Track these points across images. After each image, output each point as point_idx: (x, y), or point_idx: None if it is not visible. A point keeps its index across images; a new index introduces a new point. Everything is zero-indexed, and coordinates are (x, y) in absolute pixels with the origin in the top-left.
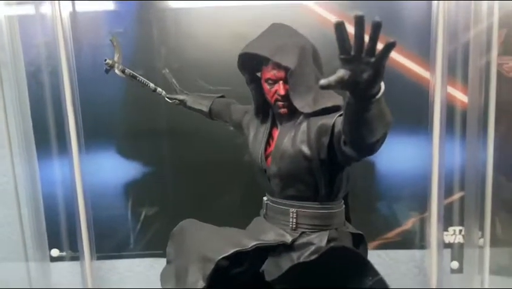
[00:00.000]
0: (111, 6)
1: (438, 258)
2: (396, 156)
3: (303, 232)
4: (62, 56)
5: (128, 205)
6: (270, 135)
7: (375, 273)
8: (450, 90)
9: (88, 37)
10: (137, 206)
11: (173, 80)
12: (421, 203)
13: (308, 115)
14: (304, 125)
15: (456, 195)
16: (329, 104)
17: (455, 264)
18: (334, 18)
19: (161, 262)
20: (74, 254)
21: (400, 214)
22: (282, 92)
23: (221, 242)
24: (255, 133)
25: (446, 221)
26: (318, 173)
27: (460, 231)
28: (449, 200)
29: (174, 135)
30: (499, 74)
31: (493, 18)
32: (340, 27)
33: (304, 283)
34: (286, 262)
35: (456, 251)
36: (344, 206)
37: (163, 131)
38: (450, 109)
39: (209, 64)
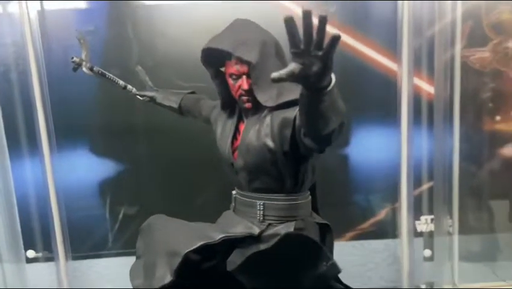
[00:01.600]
0: (80, 4)
1: (409, 247)
2: (366, 148)
3: (270, 224)
4: (30, 55)
5: (104, 204)
6: (236, 129)
7: (329, 258)
8: (417, 81)
9: (57, 35)
10: (113, 205)
11: (146, 77)
12: (393, 193)
13: (272, 109)
14: (268, 119)
15: (426, 185)
16: (291, 97)
17: (427, 252)
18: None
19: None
20: (49, 255)
21: (372, 205)
22: (245, 86)
23: (188, 236)
24: (222, 127)
25: (417, 210)
26: (283, 165)
27: (432, 220)
28: (419, 190)
29: (149, 132)
30: (464, 66)
31: (456, 12)
32: (289, 22)
33: (263, 271)
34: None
35: (428, 239)
36: (310, 197)
37: (138, 129)
38: (417, 100)
39: (183, 60)
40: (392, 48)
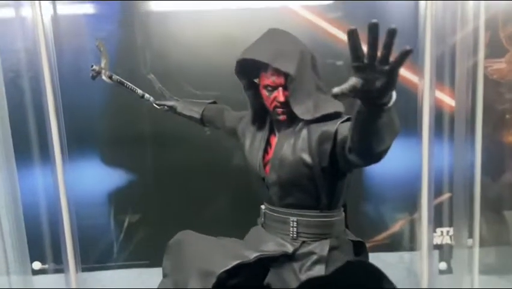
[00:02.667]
0: (93, 9)
1: (428, 260)
2: (386, 159)
3: (303, 242)
4: (44, 60)
5: (111, 214)
6: (267, 142)
7: (391, 284)
8: (438, 94)
9: (70, 40)
10: (120, 215)
11: (160, 85)
12: (411, 204)
13: (308, 122)
14: (304, 132)
15: (445, 196)
16: (330, 110)
17: (443, 265)
18: (319, 21)
19: (146, 272)
20: (58, 267)
21: (389, 216)
22: (281, 98)
23: (221, 254)
24: (252, 140)
25: (435, 222)
26: (320, 180)
27: (448, 232)
28: (438, 201)
29: (157, 141)
30: (485, 77)
31: (478, 21)
32: (352, 34)
33: None
34: (288, 273)
35: (444, 252)
36: (343, 213)
37: (147, 138)
38: (438, 112)
39: (195, 68)
40: (413, 59)
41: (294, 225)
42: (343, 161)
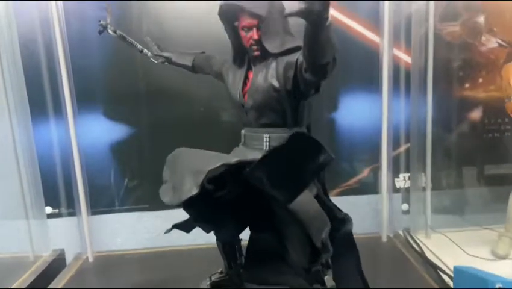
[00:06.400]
0: None
1: (389, 201)
2: (350, 113)
3: None
4: (56, 27)
5: (115, 164)
6: (246, 77)
7: (325, 151)
8: (396, 52)
9: (76, 10)
10: (123, 165)
11: (155, 46)
12: (374, 154)
13: (276, 56)
14: (273, 64)
15: (403, 147)
16: (293, 45)
17: (405, 206)
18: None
19: (146, 215)
20: (70, 211)
21: (357, 164)
22: (255, 36)
23: (210, 159)
24: (233, 77)
25: (396, 169)
26: (286, 102)
27: (409, 177)
28: (398, 150)
29: (153, 98)
30: (437, 39)
31: None
32: None
33: (274, 167)
34: None
35: (406, 195)
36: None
37: (144, 95)
38: (396, 69)
39: (187, 34)
40: (375, 23)
41: (267, 140)
42: (302, 81)
